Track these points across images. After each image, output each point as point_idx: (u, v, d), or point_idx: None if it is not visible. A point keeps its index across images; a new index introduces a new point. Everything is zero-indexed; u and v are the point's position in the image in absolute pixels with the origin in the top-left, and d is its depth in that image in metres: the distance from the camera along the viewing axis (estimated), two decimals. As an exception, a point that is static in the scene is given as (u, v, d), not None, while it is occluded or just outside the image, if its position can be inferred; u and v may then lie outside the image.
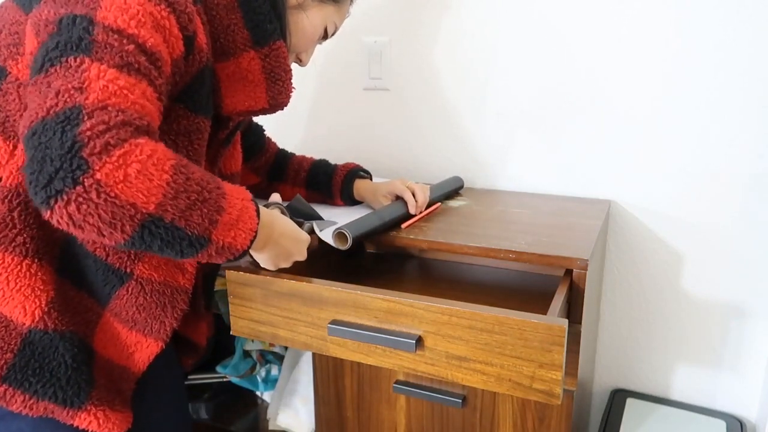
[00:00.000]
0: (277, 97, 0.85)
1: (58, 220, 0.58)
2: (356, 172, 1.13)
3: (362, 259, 1.14)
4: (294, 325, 0.87)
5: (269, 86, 0.84)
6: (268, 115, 0.90)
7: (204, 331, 0.97)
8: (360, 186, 1.12)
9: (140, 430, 0.88)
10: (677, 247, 1.20)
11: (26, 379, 0.72)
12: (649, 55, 1.13)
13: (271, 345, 1.38)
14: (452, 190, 1.22)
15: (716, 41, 1.08)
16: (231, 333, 0.94)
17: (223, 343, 1.38)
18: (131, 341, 0.82)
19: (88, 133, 0.57)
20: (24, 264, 0.71)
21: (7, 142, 0.71)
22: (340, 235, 0.90)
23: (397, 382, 1.03)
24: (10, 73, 0.71)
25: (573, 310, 0.88)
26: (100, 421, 0.77)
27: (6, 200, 0.70)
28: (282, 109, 0.88)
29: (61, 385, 0.74)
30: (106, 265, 0.76)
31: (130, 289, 0.78)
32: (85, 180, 0.56)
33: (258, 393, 1.44)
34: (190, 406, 1.41)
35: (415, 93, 1.35)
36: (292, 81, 0.86)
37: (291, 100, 0.89)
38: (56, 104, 0.58)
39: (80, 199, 0.56)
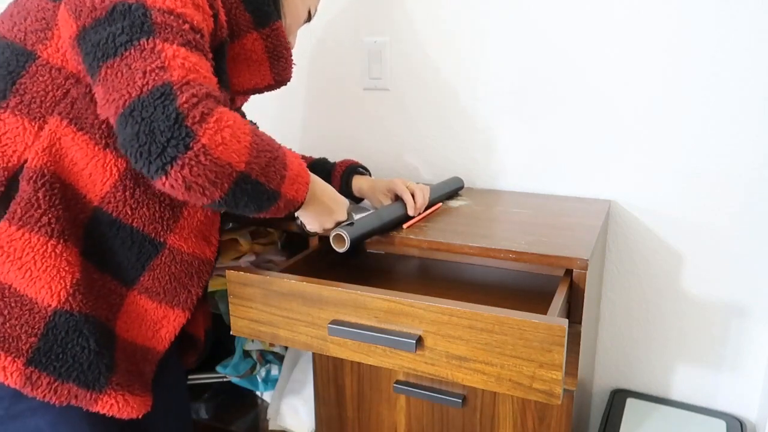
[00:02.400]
0: (282, 73, 0.92)
1: (171, 184, 0.66)
2: (355, 168, 1.13)
3: (362, 259, 1.14)
4: (294, 325, 0.87)
5: (273, 64, 0.89)
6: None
7: (201, 323, 0.98)
8: (358, 182, 1.12)
9: (143, 429, 0.88)
10: (677, 247, 1.20)
11: (50, 363, 0.74)
12: (649, 55, 1.13)
13: (271, 345, 1.38)
14: (452, 191, 1.22)
15: (716, 41, 1.08)
16: (231, 333, 0.94)
17: (223, 343, 1.38)
18: (158, 316, 0.84)
19: (186, 105, 0.64)
20: (50, 244, 0.73)
21: (33, 123, 0.73)
22: (337, 236, 0.90)
23: (397, 382, 1.03)
24: (39, 56, 0.73)
25: (573, 310, 0.88)
26: (120, 405, 0.78)
27: (31, 180, 0.72)
28: (285, 84, 0.94)
29: (83, 369, 0.75)
30: (143, 236, 0.79)
31: (163, 258, 0.82)
32: (194, 145, 0.64)
33: (258, 393, 1.44)
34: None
35: (415, 93, 1.35)
36: (292, 57, 0.92)
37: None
38: (147, 83, 0.64)
39: (192, 163, 0.65)
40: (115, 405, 0.78)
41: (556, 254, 0.87)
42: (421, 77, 1.33)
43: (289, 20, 0.94)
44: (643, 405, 1.24)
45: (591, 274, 0.90)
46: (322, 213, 0.90)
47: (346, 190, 1.12)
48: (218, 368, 1.38)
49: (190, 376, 1.41)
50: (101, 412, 0.77)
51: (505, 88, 1.26)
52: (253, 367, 1.38)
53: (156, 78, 0.64)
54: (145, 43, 0.66)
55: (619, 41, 1.14)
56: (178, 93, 0.64)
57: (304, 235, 0.98)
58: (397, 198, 1.05)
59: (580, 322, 0.88)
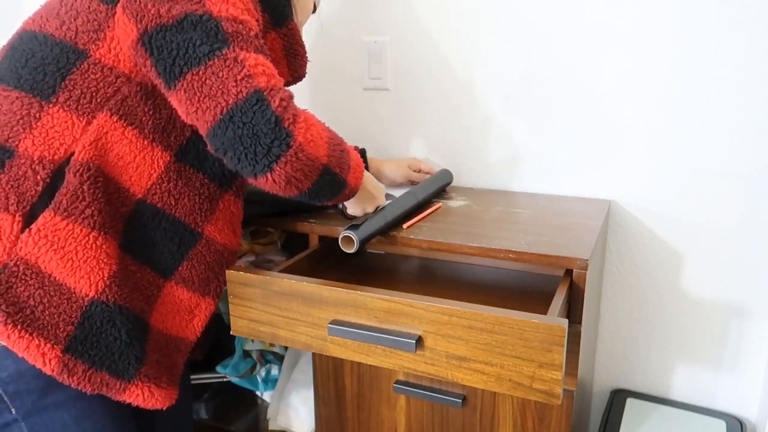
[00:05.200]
0: (299, 70, 0.96)
1: (274, 179, 0.74)
2: (364, 150, 1.22)
3: (362, 259, 1.14)
4: (294, 325, 0.87)
5: (290, 62, 0.93)
6: None
7: None
8: (374, 163, 1.23)
9: (147, 426, 0.89)
10: (677, 247, 1.20)
11: (86, 351, 0.76)
12: (649, 55, 1.13)
13: (271, 345, 1.38)
14: (444, 185, 1.22)
15: (716, 40, 1.08)
16: (231, 333, 0.94)
17: (223, 343, 1.38)
18: (192, 305, 0.88)
19: (279, 109, 0.71)
20: (91, 236, 0.75)
21: (81, 118, 0.75)
22: (346, 238, 0.90)
23: (397, 382, 1.03)
24: (91, 55, 0.76)
25: (573, 310, 0.88)
26: (146, 395, 0.81)
27: (78, 174, 0.74)
28: (301, 81, 0.99)
29: (114, 359, 0.78)
30: (184, 226, 0.84)
31: (200, 248, 0.86)
32: (293, 144, 0.72)
33: (258, 393, 1.44)
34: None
35: (415, 93, 1.35)
36: (306, 54, 0.96)
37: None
38: (240, 91, 0.70)
39: (293, 159, 0.73)
40: (140, 395, 0.81)
41: (556, 254, 0.87)
42: (421, 77, 1.33)
43: (300, 17, 0.97)
44: (643, 405, 1.24)
45: (591, 274, 0.90)
46: (366, 199, 0.96)
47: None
48: (218, 368, 1.38)
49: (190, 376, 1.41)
50: (128, 401, 0.80)
51: (505, 89, 1.26)
52: (253, 367, 1.38)
53: (247, 86, 0.70)
54: (228, 52, 0.71)
55: (620, 41, 1.14)
56: (269, 98, 0.71)
57: (345, 217, 1.03)
58: (411, 183, 1.18)
59: (580, 322, 0.88)
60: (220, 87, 0.70)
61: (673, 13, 1.10)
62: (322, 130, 0.78)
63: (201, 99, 0.71)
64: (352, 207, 0.98)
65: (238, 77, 0.71)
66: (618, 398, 1.26)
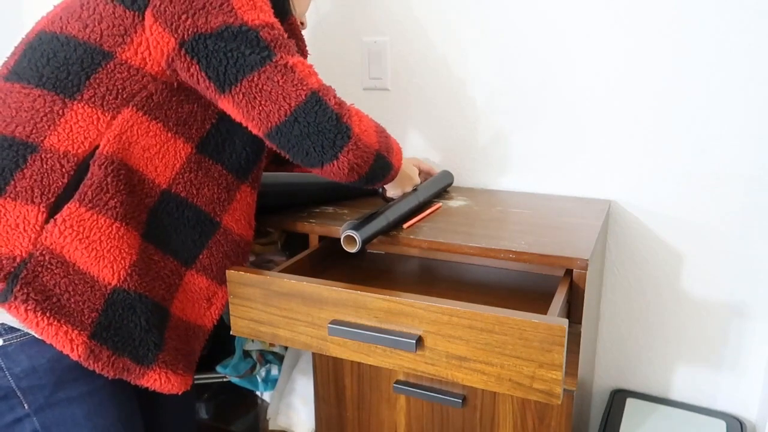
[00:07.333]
0: None
1: (339, 167, 0.82)
2: None
3: (362, 259, 1.14)
4: (294, 325, 0.87)
5: None
6: None
7: None
8: None
9: (150, 423, 0.92)
10: (677, 247, 1.20)
11: (110, 338, 0.79)
12: (650, 56, 1.13)
13: (271, 345, 1.38)
14: (444, 186, 1.21)
15: (717, 40, 1.08)
16: (231, 333, 0.94)
17: (223, 343, 1.38)
18: (210, 293, 0.91)
19: (336, 106, 0.80)
20: (114, 226, 0.78)
21: (106, 114, 0.78)
22: (348, 238, 0.90)
23: (397, 382, 1.03)
24: (117, 56, 0.78)
25: (573, 310, 0.88)
26: (163, 381, 0.84)
27: (102, 166, 0.77)
28: None
29: (135, 345, 0.81)
30: (205, 215, 0.88)
31: (218, 237, 0.90)
32: (352, 135, 0.81)
33: (258, 393, 1.44)
34: (190, 406, 1.41)
35: (415, 93, 1.35)
36: (307, 48, 0.99)
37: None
38: (299, 94, 0.77)
39: (353, 148, 0.82)
40: (158, 380, 0.83)
41: (556, 254, 0.87)
42: (421, 77, 1.33)
43: (299, 9, 1.00)
44: (643, 405, 1.24)
45: (591, 274, 0.90)
46: (404, 179, 1.03)
47: None
48: (218, 368, 1.38)
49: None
50: (146, 386, 0.83)
51: (505, 88, 1.26)
52: (253, 367, 1.38)
53: (304, 88, 0.77)
54: (278, 59, 0.77)
55: (620, 41, 1.15)
56: (324, 98, 0.79)
57: (383, 200, 1.10)
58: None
59: (580, 322, 0.88)
60: (280, 92, 0.77)
61: (673, 14, 1.10)
62: (370, 120, 0.86)
63: (262, 103, 0.77)
64: (392, 189, 1.05)
65: (294, 81, 0.77)
66: (618, 398, 1.26)
